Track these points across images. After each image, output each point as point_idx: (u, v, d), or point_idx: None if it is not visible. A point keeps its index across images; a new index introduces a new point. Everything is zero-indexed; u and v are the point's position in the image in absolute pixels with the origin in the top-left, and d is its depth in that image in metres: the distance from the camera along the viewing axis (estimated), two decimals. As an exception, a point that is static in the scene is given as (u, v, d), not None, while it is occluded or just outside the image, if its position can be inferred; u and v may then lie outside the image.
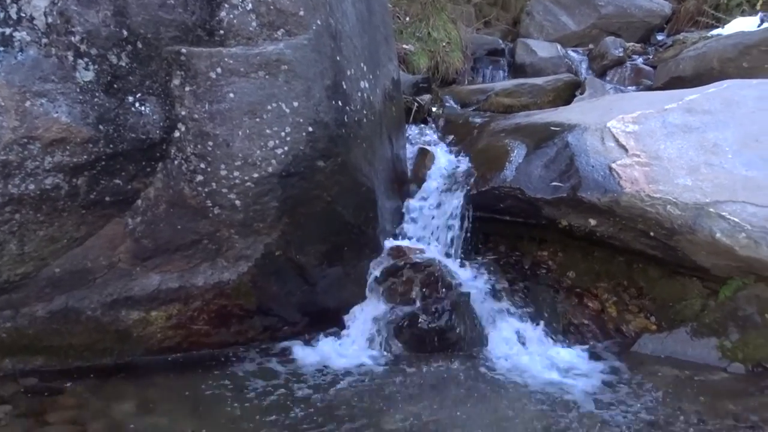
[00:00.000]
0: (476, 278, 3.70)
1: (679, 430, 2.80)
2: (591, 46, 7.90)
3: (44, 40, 2.68)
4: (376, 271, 3.54)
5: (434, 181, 4.13)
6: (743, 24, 6.95)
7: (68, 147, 2.73)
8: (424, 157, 4.32)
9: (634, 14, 8.50)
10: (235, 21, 2.93)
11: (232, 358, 3.22)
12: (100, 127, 2.78)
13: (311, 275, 3.34)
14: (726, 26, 7.17)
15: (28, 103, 2.65)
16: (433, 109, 5.16)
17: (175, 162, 2.97)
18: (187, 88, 2.92)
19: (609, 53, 7.25)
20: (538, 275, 4.04)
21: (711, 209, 3.41)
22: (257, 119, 2.96)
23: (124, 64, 2.83)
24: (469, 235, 3.90)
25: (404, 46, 6.32)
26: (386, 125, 3.84)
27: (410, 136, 4.72)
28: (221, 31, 2.93)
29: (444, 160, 4.31)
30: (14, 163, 2.68)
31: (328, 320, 3.46)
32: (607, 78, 6.95)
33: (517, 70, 7.43)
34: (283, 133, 3.00)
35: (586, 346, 3.56)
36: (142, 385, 2.93)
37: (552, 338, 3.54)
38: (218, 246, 3.11)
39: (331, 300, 3.45)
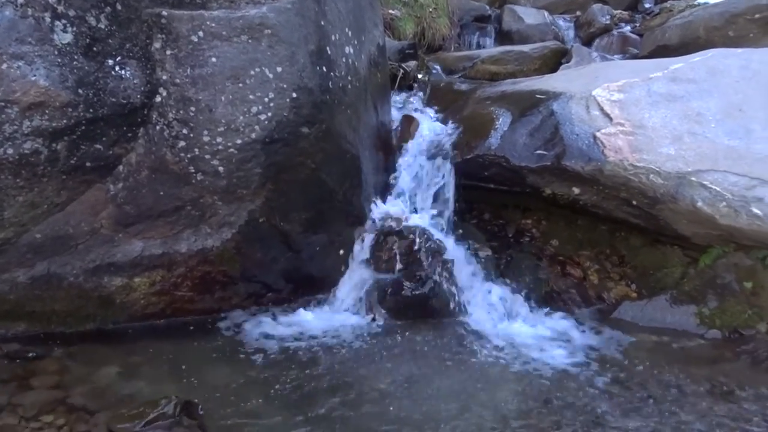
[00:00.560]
0: (460, 246, 3.72)
1: (655, 394, 2.87)
2: (578, 13, 7.83)
3: (20, 1, 2.60)
4: (360, 238, 3.54)
5: (419, 148, 4.10)
6: (730, -8, 6.90)
7: (47, 111, 2.68)
8: (409, 124, 4.29)
9: (622, -19, 8.41)
10: (216, -18, 2.87)
11: (216, 324, 3.22)
12: (80, 91, 2.73)
13: (295, 242, 3.34)
14: (713, -6, 7.14)
15: (4, 66, 2.59)
16: (419, 76, 5.11)
17: (157, 127, 2.93)
18: (168, 52, 2.87)
19: (596, 21, 7.20)
20: (521, 243, 4.07)
21: (693, 178, 3.44)
22: (240, 84, 2.92)
23: (103, 27, 2.77)
24: (453, 203, 3.91)
25: (390, 11, 6.22)
26: (371, 92, 3.81)
27: (395, 103, 4.68)
28: (203, -7, 2.87)
29: (429, 127, 4.28)
30: (-9, 127, 2.63)
31: (313, 287, 3.47)
32: (594, 46, 6.91)
33: (503, 37, 7.36)
34: (266, 99, 2.97)
35: (568, 313, 3.61)
36: (125, 351, 2.94)
37: (534, 305, 3.59)
38: (201, 212, 3.09)
39: (316, 267, 3.45)
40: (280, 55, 2.97)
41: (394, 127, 4.33)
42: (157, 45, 2.87)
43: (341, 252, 3.51)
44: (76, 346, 2.93)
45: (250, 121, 2.95)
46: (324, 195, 3.34)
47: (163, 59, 2.87)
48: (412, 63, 5.23)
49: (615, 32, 7.03)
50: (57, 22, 2.66)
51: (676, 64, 4.09)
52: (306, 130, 3.10)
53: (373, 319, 3.35)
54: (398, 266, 3.44)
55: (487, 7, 7.79)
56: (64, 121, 2.72)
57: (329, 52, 3.20)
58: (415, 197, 3.92)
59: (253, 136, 2.97)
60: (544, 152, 3.73)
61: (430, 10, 6.72)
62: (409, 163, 4.04)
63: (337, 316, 3.38)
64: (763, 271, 3.54)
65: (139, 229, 3.04)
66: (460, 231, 3.88)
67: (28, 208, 2.82)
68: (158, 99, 2.90)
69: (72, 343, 2.95)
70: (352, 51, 3.45)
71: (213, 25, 2.86)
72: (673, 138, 3.59)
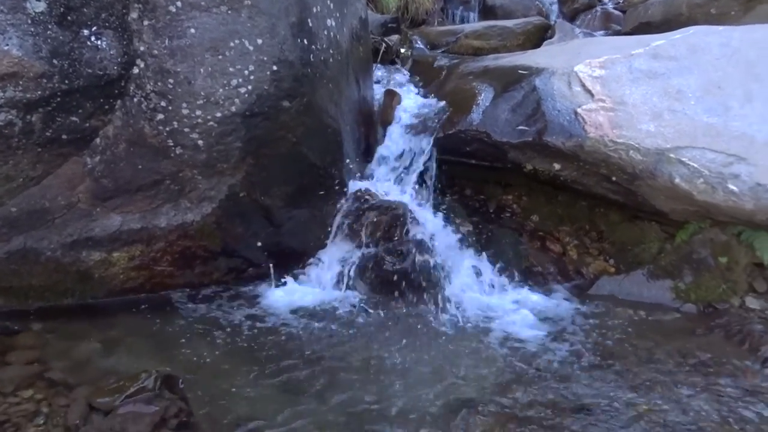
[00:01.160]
0: (441, 221, 3.73)
1: (631, 365, 2.92)
2: (562, -12, 7.80)
3: (-10, -33, 2.53)
4: (341, 213, 3.54)
5: (401, 123, 4.09)
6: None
7: (20, 82, 2.62)
8: (391, 98, 4.26)
9: (607, -44, 8.37)
10: (194, -49, 2.81)
11: (196, 299, 3.21)
12: (54, 61, 2.66)
13: (276, 217, 3.32)
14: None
15: (-25, 35, 2.52)
16: (402, 51, 5.08)
17: (135, 99, 2.88)
18: (146, 22, 2.81)
19: (580, -4, 7.18)
20: (502, 219, 4.09)
21: (672, 155, 3.48)
22: (219, 56, 2.87)
23: (77, -5, 2.70)
24: (435, 178, 3.91)
25: (373, -16, 6.15)
26: (353, 66, 3.77)
27: (378, 78, 4.65)
28: (180, -38, 2.80)
29: (411, 102, 4.26)
30: (-37, 98, 2.57)
31: (294, 262, 3.47)
32: (577, 22, 6.90)
33: (487, 12, 7.32)
34: (246, 72, 2.93)
35: (547, 288, 3.66)
36: (105, 326, 2.92)
37: (514, 280, 3.62)
38: (181, 187, 3.06)
39: (297, 242, 3.45)
40: (260, 27, 2.93)
41: (376, 102, 4.30)
42: (134, 15, 2.81)
43: (322, 227, 3.50)
44: (55, 321, 2.90)
45: (230, 94, 2.92)
46: (305, 169, 3.32)
47: (140, 30, 2.81)
48: (395, 37, 5.19)
49: (598, 8, 7.02)
50: (29, -10, 2.59)
51: (658, 41, 4.10)
52: (287, 104, 3.07)
53: (355, 294, 3.36)
54: (379, 240, 3.44)
55: (471, -19, 7.72)
56: (39, 92, 2.66)
57: (310, 25, 3.16)
58: (396, 172, 3.91)
59: (233, 109, 2.94)
60: (526, 128, 3.73)
61: (414, -17, 6.65)
62: (391, 138, 4.03)
63: (319, 290, 3.39)
64: (737, 247, 3.60)
65: (117, 203, 3.01)
66: (441, 206, 3.89)
67: (3, 182, 2.77)
68: (136, 71, 2.85)
69: (50, 318, 2.92)
70: (333, 24, 3.41)
71: (191, -5, 2.81)
72: (653, 115, 3.61)
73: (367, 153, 4.00)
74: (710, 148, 3.48)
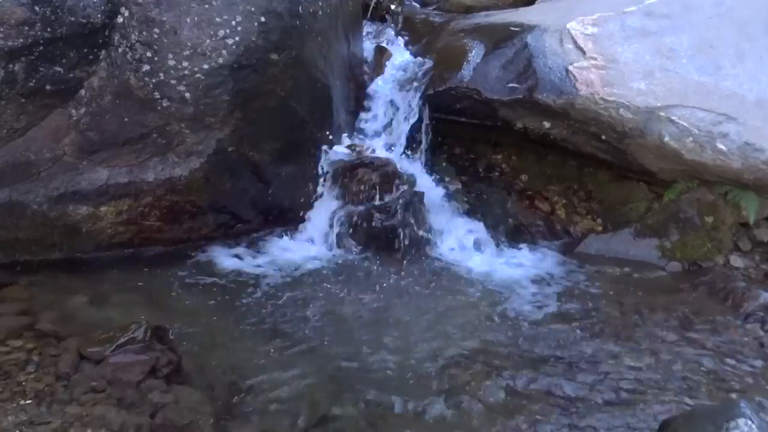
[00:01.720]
0: (430, 179, 3.73)
1: (615, 321, 2.98)
2: (556, -53, 7.66)
3: None
4: (330, 169, 3.52)
5: (391, 80, 4.04)
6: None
7: (1, 29, 2.57)
8: (381, 55, 4.21)
9: None
10: None
11: (185, 254, 3.19)
12: (36, 8, 2.60)
13: (265, 173, 3.30)
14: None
15: (-47, -21, 2.45)
16: (392, 7, 4.98)
17: (120, 50, 2.83)
18: (130, -31, 2.74)
19: (573, -45, 7.05)
20: (491, 178, 4.09)
21: (662, 113, 3.47)
22: (206, 5, 2.82)
23: (58, -61, 2.62)
24: (424, 136, 3.89)
25: (363, -62, 6.00)
26: (342, 21, 3.71)
27: (368, 34, 4.57)
28: None
29: (402, 59, 4.21)
30: (-58, 45, 2.51)
31: (283, 218, 3.46)
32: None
33: (479, -31, 7.17)
34: (233, 22, 2.87)
35: (535, 246, 3.68)
36: (93, 280, 2.91)
37: (502, 238, 3.64)
38: (168, 140, 3.02)
39: (286, 198, 3.43)
40: (247, -24, 2.87)
41: (366, 58, 4.24)
42: (117, -38, 2.74)
43: (311, 183, 3.49)
44: (43, 275, 2.89)
45: (217, 45, 2.86)
46: (294, 125, 3.29)
47: (124, -23, 2.75)
48: (386, -7, 5.09)
49: (592, -33, 6.90)
50: (9, -66, 2.51)
51: (651, -2, 4.06)
52: (275, 57, 3.02)
53: (343, 250, 3.37)
54: (368, 197, 3.44)
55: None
56: (21, 40, 2.60)
57: (299, -25, 3.10)
58: (386, 129, 3.88)
59: (221, 61, 2.89)
60: (517, 85, 3.70)
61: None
62: (381, 95, 3.99)
63: (308, 246, 3.39)
64: (724, 207, 3.63)
65: (103, 156, 2.97)
66: (431, 164, 3.89)
67: (-14, 133, 2.73)
68: (120, 20, 2.79)
69: (38, 271, 2.91)
70: (323, -25, 3.34)
71: (177, -59, 2.74)
72: (645, 73, 3.60)
73: (356, 109, 3.96)
74: (700, 107, 3.48)
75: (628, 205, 3.87)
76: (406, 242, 3.39)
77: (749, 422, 1.91)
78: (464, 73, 3.84)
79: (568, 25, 3.85)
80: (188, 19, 2.80)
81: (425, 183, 3.68)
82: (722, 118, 3.45)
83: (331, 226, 3.41)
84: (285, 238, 3.42)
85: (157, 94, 2.88)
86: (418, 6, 5.30)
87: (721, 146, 3.43)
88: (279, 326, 2.71)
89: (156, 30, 2.79)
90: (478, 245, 3.56)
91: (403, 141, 3.84)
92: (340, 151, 3.55)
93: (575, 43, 3.75)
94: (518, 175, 4.11)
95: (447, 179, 3.83)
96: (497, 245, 3.60)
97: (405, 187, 3.49)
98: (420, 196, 3.51)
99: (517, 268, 3.42)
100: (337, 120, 3.61)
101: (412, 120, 3.82)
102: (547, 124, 3.73)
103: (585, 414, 2.33)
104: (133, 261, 3.10)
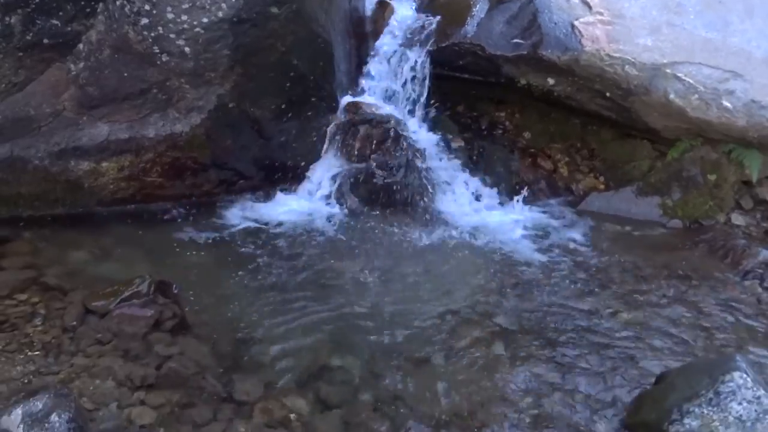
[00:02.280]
0: (433, 136, 3.70)
1: (615, 278, 3.00)
2: None
3: None
4: (332, 126, 3.49)
5: (393, 35, 3.97)
6: None
7: (-3, -19, 2.52)
8: (383, 9, 4.13)
9: None
10: None
11: (187, 210, 3.20)
12: (31, -41, 2.55)
13: (267, 129, 3.28)
14: None
15: (-55, -72, 2.40)
16: (395, -40, 4.87)
17: (117, 3, 2.78)
18: None
19: None
20: (494, 135, 4.07)
21: (668, 70, 3.43)
22: (205, -43, 2.76)
23: None
24: (427, 93, 3.84)
25: None
26: (344, -27, 3.64)
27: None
28: None
29: (404, 13, 4.12)
30: (-63, -4, 2.47)
31: (285, 175, 3.44)
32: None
33: None
34: (233, -26, 2.81)
35: (537, 203, 3.68)
36: (97, 235, 2.93)
37: (504, 195, 3.64)
38: (168, 96, 3.00)
39: (288, 155, 3.41)
40: (247, -74, 2.80)
41: (367, 13, 4.16)
42: None
43: (313, 140, 3.47)
44: (47, 230, 2.91)
45: (217, -2, 2.81)
46: (295, 80, 3.25)
47: (120, -73, 2.68)
48: (388, -54, 4.96)
49: None
50: None
51: (660, -49, 3.96)
52: (275, 11, 2.97)
53: (346, 207, 3.37)
54: (370, 155, 3.42)
55: None
56: (17, -8, 2.56)
57: (300, -75, 3.02)
58: (388, 85, 3.84)
59: (220, 14, 2.84)
60: (521, 41, 3.65)
61: None
62: (383, 51, 3.92)
63: (310, 203, 3.39)
64: (727, 165, 3.63)
65: (103, 112, 2.95)
66: (434, 121, 3.85)
67: (-15, 87, 2.71)
68: (117, -29, 2.73)
69: (42, 226, 2.92)
70: (324, -74, 3.26)
71: None
72: (652, 29, 3.54)
73: (358, 66, 3.91)
74: (707, 64, 3.44)
75: (631, 164, 3.85)
76: (407, 199, 3.39)
77: (744, 375, 1.95)
78: (468, 28, 3.78)
79: (574, -21, 3.77)
80: (187, -29, 2.74)
81: (427, 140, 3.65)
82: (729, 75, 3.41)
83: (332, 182, 3.40)
84: (287, 194, 3.41)
85: (156, 49, 2.85)
86: (421, -41, 5.18)
87: (726, 104, 3.39)
88: (281, 280, 2.74)
89: (154, -18, 2.74)
90: (479, 202, 3.56)
91: (405, 98, 3.80)
92: (342, 107, 3.52)
93: (581, -3, 3.68)
94: (521, 133, 4.08)
95: (449, 136, 3.80)
96: (499, 202, 3.61)
97: (407, 144, 3.47)
98: (422, 153, 3.50)
99: (519, 224, 3.43)
100: (339, 76, 3.57)
101: (415, 77, 3.77)
102: (551, 81, 3.68)
103: (582, 368, 2.37)
104: (135, 216, 3.11)
